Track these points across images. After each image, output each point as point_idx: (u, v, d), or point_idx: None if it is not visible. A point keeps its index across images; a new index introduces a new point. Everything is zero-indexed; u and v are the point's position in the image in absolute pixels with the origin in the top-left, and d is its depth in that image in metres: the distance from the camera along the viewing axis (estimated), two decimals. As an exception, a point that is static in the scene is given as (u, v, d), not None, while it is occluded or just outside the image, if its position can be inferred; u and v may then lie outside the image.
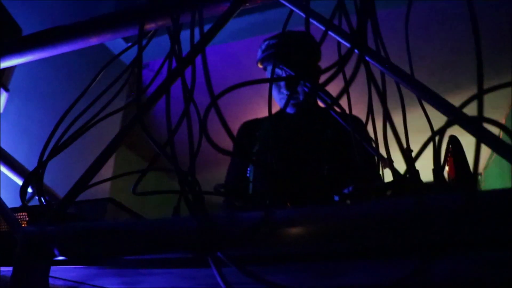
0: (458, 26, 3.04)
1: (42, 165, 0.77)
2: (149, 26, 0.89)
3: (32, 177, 0.77)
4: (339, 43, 0.80)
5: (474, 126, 0.59)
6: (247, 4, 0.85)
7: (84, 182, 0.76)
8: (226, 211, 0.75)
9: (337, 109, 1.43)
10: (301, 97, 1.57)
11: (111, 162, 2.61)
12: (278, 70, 1.55)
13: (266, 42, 1.56)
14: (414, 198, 0.56)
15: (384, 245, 0.58)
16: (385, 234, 0.56)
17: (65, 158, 1.50)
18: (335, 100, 0.68)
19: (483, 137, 0.58)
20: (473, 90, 0.58)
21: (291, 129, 1.58)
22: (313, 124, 1.59)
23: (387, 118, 0.68)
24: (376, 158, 1.38)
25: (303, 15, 0.74)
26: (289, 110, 1.63)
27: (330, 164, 1.48)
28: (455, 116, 0.62)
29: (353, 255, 0.60)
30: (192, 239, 0.60)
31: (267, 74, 1.61)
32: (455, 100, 0.61)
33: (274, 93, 1.59)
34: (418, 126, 1.33)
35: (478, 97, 0.62)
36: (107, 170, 2.57)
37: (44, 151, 0.78)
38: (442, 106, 0.67)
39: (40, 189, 0.77)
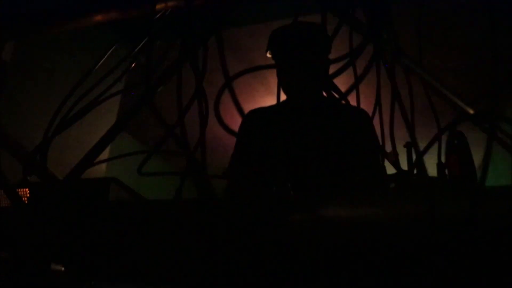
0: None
1: (47, 140, 0.76)
2: (160, 7, 0.88)
3: (36, 152, 0.76)
4: (351, 34, 0.80)
5: (487, 123, 0.59)
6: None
7: (88, 160, 0.76)
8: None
9: (344, 103, 1.43)
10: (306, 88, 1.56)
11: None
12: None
13: (275, 33, 1.54)
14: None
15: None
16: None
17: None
18: (344, 96, 0.68)
19: (495, 135, 0.58)
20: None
21: (298, 120, 1.58)
22: (319, 115, 1.59)
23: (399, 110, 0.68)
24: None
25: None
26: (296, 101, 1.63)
27: (334, 154, 1.48)
28: (466, 112, 0.62)
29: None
30: (205, 226, 0.60)
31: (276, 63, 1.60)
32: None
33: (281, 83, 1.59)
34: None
35: (492, 94, 0.62)
36: (103, 152, 2.55)
37: (50, 127, 0.77)
38: (452, 99, 0.67)
39: (44, 164, 0.76)
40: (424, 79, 0.63)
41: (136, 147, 4.50)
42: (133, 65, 0.92)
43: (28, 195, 0.87)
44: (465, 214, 0.53)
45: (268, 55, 1.58)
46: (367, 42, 0.65)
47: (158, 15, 0.91)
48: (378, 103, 0.84)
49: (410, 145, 0.85)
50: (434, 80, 0.63)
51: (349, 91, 0.64)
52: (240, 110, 0.65)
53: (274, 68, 1.63)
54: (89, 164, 0.72)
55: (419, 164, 0.65)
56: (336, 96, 1.32)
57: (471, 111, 0.59)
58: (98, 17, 0.95)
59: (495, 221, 0.53)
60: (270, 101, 1.69)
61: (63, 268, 0.73)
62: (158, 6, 0.88)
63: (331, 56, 1.53)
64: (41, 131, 0.79)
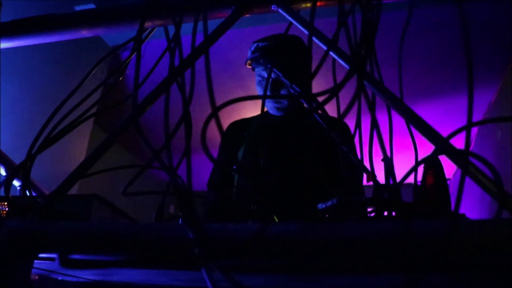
0: (441, 34, 3.11)
1: (30, 158, 0.76)
2: (148, 25, 0.89)
3: (19, 169, 0.76)
4: (334, 66, 0.82)
5: (461, 159, 0.62)
6: (248, 14, 0.86)
7: (74, 178, 0.76)
8: (219, 223, 0.76)
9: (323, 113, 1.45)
10: (285, 102, 1.59)
11: (85, 144, 2.56)
12: (264, 73, 1.56)
13: (255, 44, 1.56)
14: (400, 223, 0.59)
15: (371, 262, 0.61)
16: (372, 253, 0.59)
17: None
18: (320, 105, 0.70)
19: (468, 170, 0.61)
20: (453, 96, 0.61)
21: (276, 132, 1.60)
22: (299, 127, 1.61)
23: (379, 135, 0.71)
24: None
25: (305, 31, 0.76)
26: (275, 113, 1.65)
27: (315, 167, 1.51)
28: (443, 146, 0.65)
29: (340, 269, 0.63)
30: (184, 248, 0.61)
31: (256, 74, 1.62)
32: (437, 105, 0.65)
33: (261, 94, 1.61)
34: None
35: (466, 130, 0.66)
36: (80, 152, 2.53)
37: (34, 144, 0.77)
38: (430, 134, 0.70)
39: (27, 182, 0.76)
40: (404, 114, 0.66)
41: (119, 151, 4.45)
42: (120, 79, 0.92)
43: (7, 208, 0.87)
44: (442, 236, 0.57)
45: (248, 66, 1.60)
46: (352, 74, 0.67)
47: (145, 33, 0.91)
48: (358, 126, 0.86)
49: (387, 159, 0.89)
50: (414, 116, 0.66)
51: (344, 115, 0.67)
52: (222, 133, 0.66)
53: (256, 99, 1.66)
54: (74, 182, 0.72)
55: (396, 196, 0.68)
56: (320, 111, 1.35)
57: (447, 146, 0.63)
58: (84, 32, 0.95)
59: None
60: (249, 105, 1.70)
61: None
62: (146, 24, 0.89)
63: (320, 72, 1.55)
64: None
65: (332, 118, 1.50)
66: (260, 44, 1.55)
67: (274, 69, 1.43)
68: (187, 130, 0.71)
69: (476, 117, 4.09)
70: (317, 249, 0.60)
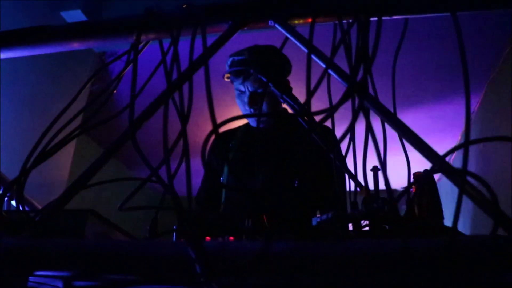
0: (425, 44, 3.16)
1: (25, 172, 0.75)
2: (143, 38, 0.88)
3: (13, 185, 0.75)
4: (329, 85, 0.83)
5: (458, 177, 0.63)
6: (245, 28, 0.87)
7: (69, 194, 0.75)
8: (219, 240, 0.76)
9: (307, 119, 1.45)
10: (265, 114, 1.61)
11: (71, 150, 2.53)
12: (241, 86, 1.57)
13: (231, 58, 1.58)
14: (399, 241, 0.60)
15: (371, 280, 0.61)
16: (371, 271, 0.60)
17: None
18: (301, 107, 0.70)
19: (465, 189, 0.62)
20: (435, 107, 0.62)
21: (260, 143, 1.61)
22: (283, 137, 1.62)
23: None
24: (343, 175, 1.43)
25: (305, 49, 0.77)
26: (255, 125, 1.67)
27: (301, 176, 1.52)
28: (439, 164, 0.66)
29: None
30: (185, 266, 0.61)
31: (234, 87, 1.63)
32: (418, 113, 0.66)
33: (241, 108, 1.63)
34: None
35: (464, 148, 0.67)
36: (66, 159, 2.49)
37: (28, 159, 0.76)
38: (426, 151, 0.71)
39: (21, 198, 0.75)
40: (400, 130, 0.67)
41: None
42: (112, 93, 0.91)
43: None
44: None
45: (226, 79, 1.61)
46: (350, 94, 0.68)
47: (141, 46, 0.91)
48: (352, 139, 0.87)
49: (377, 169, 0.90)
50: (409, 132, 0.67)
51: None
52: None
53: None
54: (68, 199, 0.72)
55: (393, 212, 0.69)
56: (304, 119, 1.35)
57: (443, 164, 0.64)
58: (75, 44, 0.94)
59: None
60: (237, 111, 1.70)
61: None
62: (141, 38, 0.89)
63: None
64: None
65: (319, 124, 1.50)
66: (235, 58, 1.56)
67: (266, 82, 1.42)
68: (185, 149, 0.71)
69: (459, 126, 4.18)
70: (316, 267, 0.60)
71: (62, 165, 2.46)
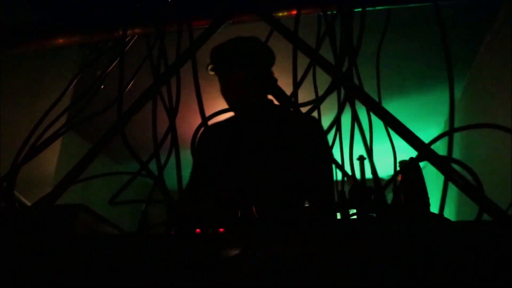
0: (406, 31, 3.18)
1: (15, 169, 0.75)
2: (129, 33, 0.88)
3: (2, 182, 0.74)
4: (314, 76, 0.84)
5: (443, 165, 0.65)
6: (231, 21, 0.87)
7: (60, 190, 0.75)
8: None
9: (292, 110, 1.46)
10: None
11: (57, 145, 2.50)
12: (225, 79, 1.58)
13: (214, 50, 1.58)
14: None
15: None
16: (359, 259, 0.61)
17: None
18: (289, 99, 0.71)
19: (450, 176, 0.64)
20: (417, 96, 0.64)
21: (247, 134, 1.61)
22: (269, 128, 1.63)
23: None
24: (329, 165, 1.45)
25: (288, 40, 0.77)
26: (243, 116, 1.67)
27: (288, 167, 1.53)
28: (425, 152, 0.68)
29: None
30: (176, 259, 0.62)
31: (218, 78, 1.63)
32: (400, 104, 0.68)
33: (226, 100, 1.63)
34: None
35: (449, 136, 0.69)
36: (52, 155, 2.47)
37: (18, 155, 0.75)
38: (412, 140, 0.73)
39: (12, 193, 0.75)
40: (386, 119, 0.68)
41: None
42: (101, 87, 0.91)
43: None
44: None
45: (210, 72, 1.61)
46: (336, 86, 0.69)
47: (127, 40, 0.91)
48: (338, 129, 0.88)
49: (363, 159, 0.92)
50: (395, 121, 0.68)
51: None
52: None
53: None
54: (58, 194, 0.72)
55: (381, 203, 0.71)
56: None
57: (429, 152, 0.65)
58: (60, 40, 0.93)
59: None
60: (222, 103, 1.70)
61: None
62: (128, 32, 0.88)
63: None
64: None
65: (304, 115, 1.51)
66: (219, 50, 1.56)
67: (250, 74, 1.43)
68: (173, 144, 0.71)
69: (443, 113, 4.23)
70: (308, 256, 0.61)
71: (48, 159, 2.44)
